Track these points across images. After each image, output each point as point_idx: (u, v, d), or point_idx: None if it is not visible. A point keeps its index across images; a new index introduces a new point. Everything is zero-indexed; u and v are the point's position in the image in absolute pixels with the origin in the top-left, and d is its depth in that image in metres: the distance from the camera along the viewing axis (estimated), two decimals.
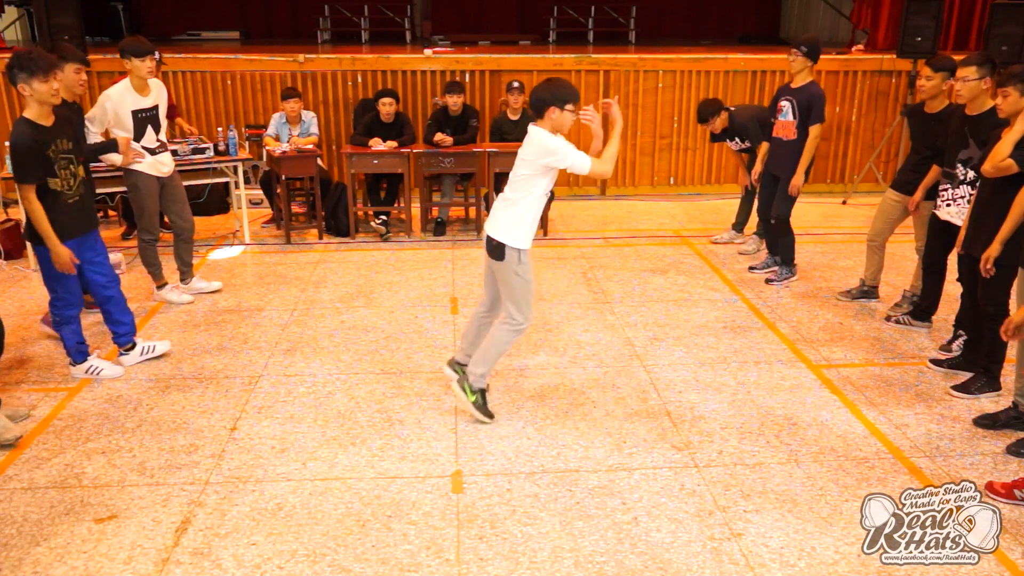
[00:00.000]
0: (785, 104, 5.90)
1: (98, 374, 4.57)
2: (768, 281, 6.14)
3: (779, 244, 6.15)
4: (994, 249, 4.05)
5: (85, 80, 4.76)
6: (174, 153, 6.37)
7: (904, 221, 5.47)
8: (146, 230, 5.52)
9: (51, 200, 4.14)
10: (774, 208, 6.04)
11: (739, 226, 7.14)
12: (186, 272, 5.86)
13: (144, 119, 5.36)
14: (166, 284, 5.70)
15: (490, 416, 4.10)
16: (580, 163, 3.84)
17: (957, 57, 4.72)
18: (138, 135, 5.36)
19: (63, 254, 4.15)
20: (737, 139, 6.74)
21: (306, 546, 3.19)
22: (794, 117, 5.83)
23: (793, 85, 5.89)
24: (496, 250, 3.91)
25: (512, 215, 3.93)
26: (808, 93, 5.79)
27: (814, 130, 5.76)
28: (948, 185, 4.73)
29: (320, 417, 4.17)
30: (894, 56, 8.53)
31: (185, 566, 3.08)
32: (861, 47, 10.10)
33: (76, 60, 4.67)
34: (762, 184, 6.25)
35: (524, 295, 3.99)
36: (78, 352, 4.51)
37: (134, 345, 4.75)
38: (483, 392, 4.09)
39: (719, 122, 6.66)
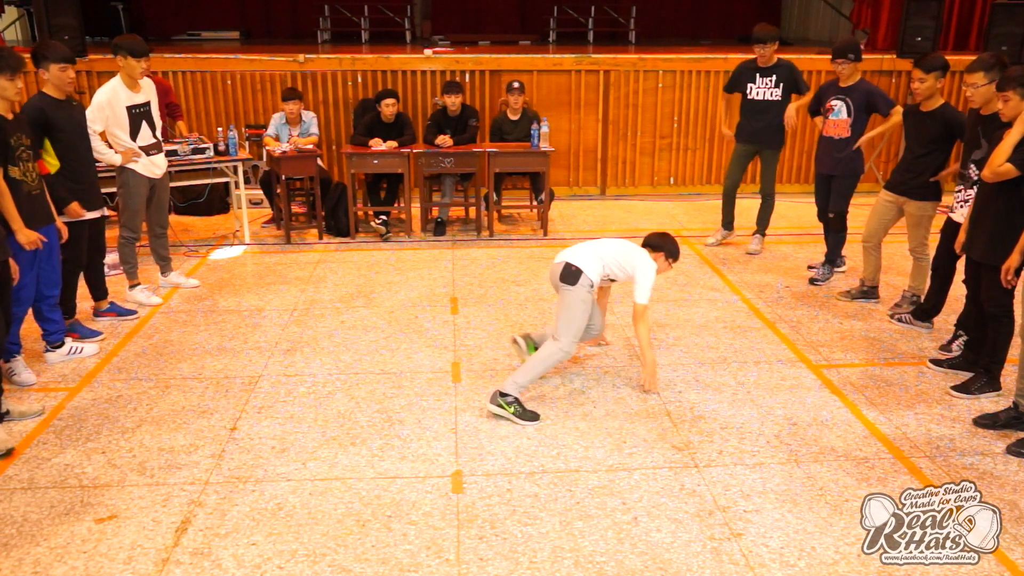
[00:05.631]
0: (837, 103, 5.92)
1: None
2: (813, 281, 6.15)
3: (830, 239, 6.18)
4: (1014, 260, 4.01)
5: (73, 78, 4.68)
6: (173, 153, 6.38)
7: (898, 222, 5.47)
8: (128, 228, 5.58)
9: (13, 189, 4.22)
10: (832, 204, 6.08)
11: (728, 224, 7.12)
12: (165, 265, 5.98)
13: (138, 115, 5.41)
14: (138, 284, 5.72)
15: (536, 416, 4.14)
16: (643, 294, 4.30)
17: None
18: (133, 131, 5.39)
19: (30, 233, 4.26)
20: (773, 77, 6.45)
21: (306, 546, 3.19)
22: (848, 115, 5.86)
23: (842, 84, 5.91)
24: (573, 275, 4.19)
25: (592, 261, 4.29)
26: (860, 91, 5.86)
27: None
28: (962, 186, 4.73)
29: (320, 417, 4.17)
30: (894, 56, 8.53)
31: (185, 566, 3.08)
32: (861, 47, 10.09)
33: (60, 59, 4.59)
34: (816, 188, 6.25)
35: (578, 324, 4.23)
36: (6, 351, 4.45)
37: (62, 344, 4.81)
38: (517, 400, 4.14)
39: (771, 51, 6.46)
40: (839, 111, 5.91)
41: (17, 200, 4.22)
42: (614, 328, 5.29)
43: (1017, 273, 4.07)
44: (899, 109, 5.79)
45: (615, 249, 4.41)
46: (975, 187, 4.59)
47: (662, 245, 4.48)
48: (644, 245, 4.49)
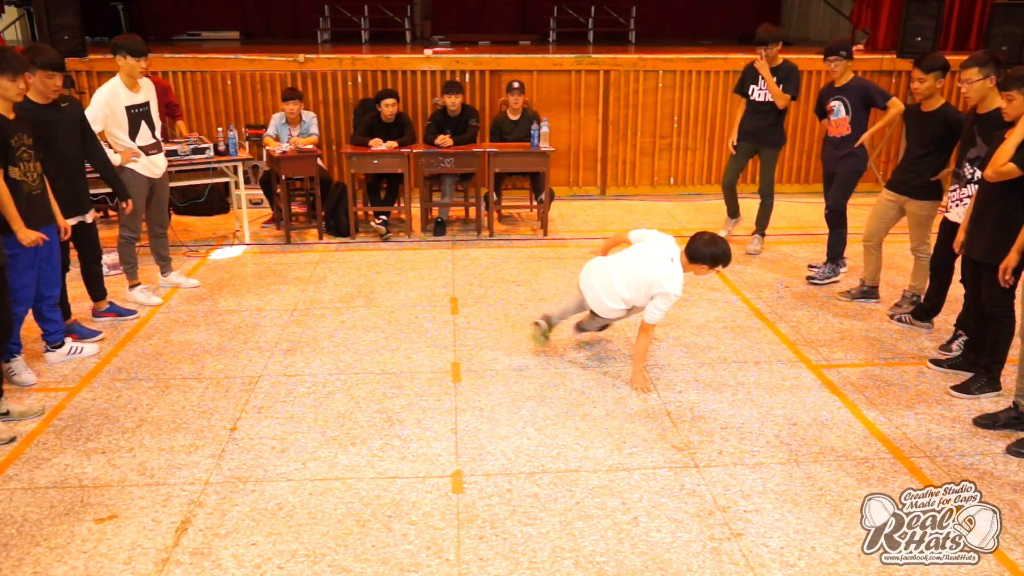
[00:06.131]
0: (836, 103, 5.95)
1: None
2: (810, 280, 6.16)
3: (831, 236, 6.18)
4: (1012, 259, 4.01)
5: (59, 86, 4.60)
6: (173, 153, 6.38)
7: (899, 221, 5.47)
8: (128, 228, 5.57)
9: (13, 189, 4.21)
10: (830, 199, 6.09)
11: (733, 212, 7.13)
12: (165, 265, 5.99)
13: (138, 115, 5.41)
14: (138, 284, 5.72)
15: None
16: (653, 316, 4.40)
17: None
18: (133, 131, 5.39)
19: (30, 232, 4.26)
20: (775, 78, 6.50)
21: (306, 546, 3.19)
22: (847, 113, 5.88)
23: (837, 84, 5.96)
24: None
25: (613, 309, 4.59)
26: (855, 88, 5.89)
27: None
28: (956, 185, 4.73)
29: (320, 417, 4.17)
30: (894, 56, 8.53)
31: (185, 566, 3.08)
32: (861, 47, 10.09)
33: (46, 66, 4.51)
34: (824, 187, 6.27)
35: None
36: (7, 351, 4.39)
37: (62, 344, 4.81)
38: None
39: (775, 52, 6.49)
40: (838, 111, 5.94)
41: (18, 200, 4.22)
42: (614, 328, 5.28)
43: (1016, 273, 4.07)
44: (896, 100, 5.84)
45: (641, 273, 4.37)
46: (969, 186, 4.60)
47: (701, 254, 4.33)
48: (686, 251, 4.36)
